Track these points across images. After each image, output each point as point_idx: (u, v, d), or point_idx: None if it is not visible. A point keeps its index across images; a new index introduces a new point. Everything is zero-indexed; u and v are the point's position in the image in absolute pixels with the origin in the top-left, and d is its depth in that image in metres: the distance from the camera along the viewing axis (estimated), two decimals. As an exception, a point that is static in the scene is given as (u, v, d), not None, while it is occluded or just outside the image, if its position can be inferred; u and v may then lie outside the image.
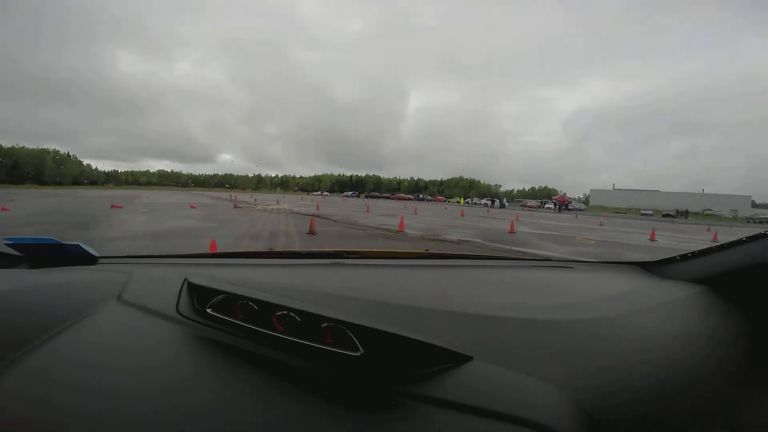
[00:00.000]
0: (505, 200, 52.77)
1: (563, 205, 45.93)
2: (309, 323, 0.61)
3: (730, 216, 59.03)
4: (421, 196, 76.35)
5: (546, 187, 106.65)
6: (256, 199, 32.24)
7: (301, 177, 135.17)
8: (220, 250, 1.28)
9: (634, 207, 62.91)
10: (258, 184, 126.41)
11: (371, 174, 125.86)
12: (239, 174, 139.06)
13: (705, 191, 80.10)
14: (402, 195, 76.31)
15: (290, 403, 0.51)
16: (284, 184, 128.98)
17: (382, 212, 20.33)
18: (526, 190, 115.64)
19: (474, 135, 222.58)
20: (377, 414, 0.51)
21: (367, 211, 20.01)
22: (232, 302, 0.67)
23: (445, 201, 68.11)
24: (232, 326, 0.65)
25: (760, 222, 44.27)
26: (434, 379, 0.55)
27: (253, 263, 1.13)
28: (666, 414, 0.56)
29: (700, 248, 0.94)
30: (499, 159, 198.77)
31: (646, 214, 49.30)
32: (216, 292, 0.69)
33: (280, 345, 0.60)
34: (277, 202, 25.43)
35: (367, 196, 73.15)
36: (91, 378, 0.54)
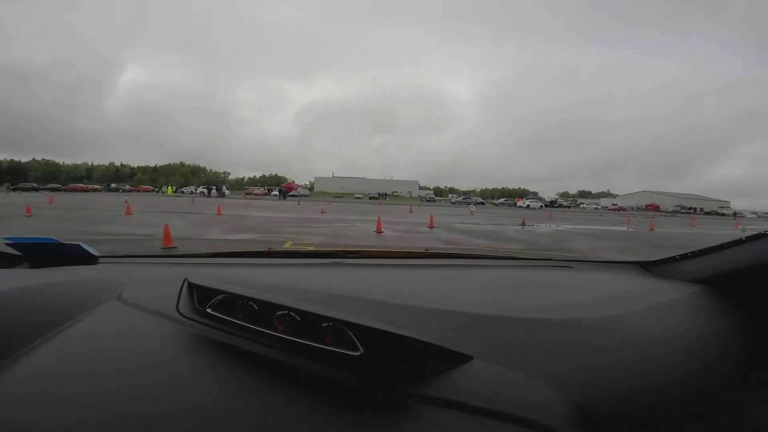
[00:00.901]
0: (225, 188, 45.95)
1: (288, 191, 44.71)
2: (309, 323, 0.61)
3: (407, 196, 76.24)
4: (114, 185, 56.93)
5: (276, 175, 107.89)
6: None
7: None
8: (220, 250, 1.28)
9: (349, 192, 70.58)
10: None
11: (41, 159, 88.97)
12: None
13: (393, 178, 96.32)
14: (80, 185, 54.46)
15: (290, 402, 0.51)
16: None
17: None
18: (257, 177, 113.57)
19: (205, 119, 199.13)
20: (377, 414, 0.51)
21: None
22: (232, 302, 0.67)
23: (154, 191, 53.60)
24: (233, 326, 0.65)
25: (429, 201, 58.54)
26: (434, 379, 0.55)
27: (253, 263, 1.15)
28: (665, 414, 0.56)
29: (699, 248, 0.93)
30: (232, 145, 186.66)
31: (358, 198, 55.94)
32: (216, 291, 0.69)
33: (281, 344, 0.60)
34: None
35: (12, 189, 47.32)
36: (92, 377, 0.54)
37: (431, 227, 11.89)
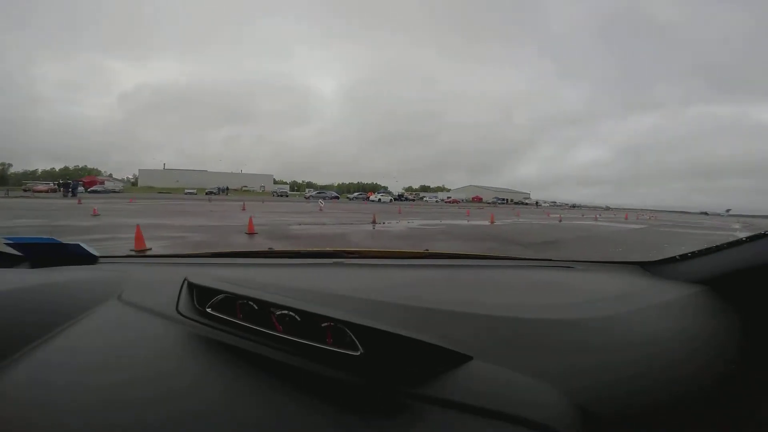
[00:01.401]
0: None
1: (82, 187, 33.50)
2: (309, 323, 0.60)
3: (260, 191, 70.41)
4: None
5: (86, 167, 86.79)
6: None
7: None
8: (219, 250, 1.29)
9: (184, 186, 60.42)
10: None
11: None
12: None
13: (243, 171, 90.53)
14: None
15: (290, 402, 0.51)
16: None
17: None
18: (57, 170, 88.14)
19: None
20: (377, 414, 0.51)
21: None
22: (232, 302, 0.67)
23: None
24: (232, 326, 0.65)
25: (281, 195, 54.21)
26: (434, 379, 0.55)
27: (253, 263, 1.15)
28: (665, 414, 0.56)
29: (699, 248, 0.93)
30: (24, 131, 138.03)
31: (190, 193, 47.62)
32: (216, 291, 0.69)
33: (280, 344, 0.60)
34: None
35: None
36: (92, 377, 0.54)
37: (251, 233, 8.30)
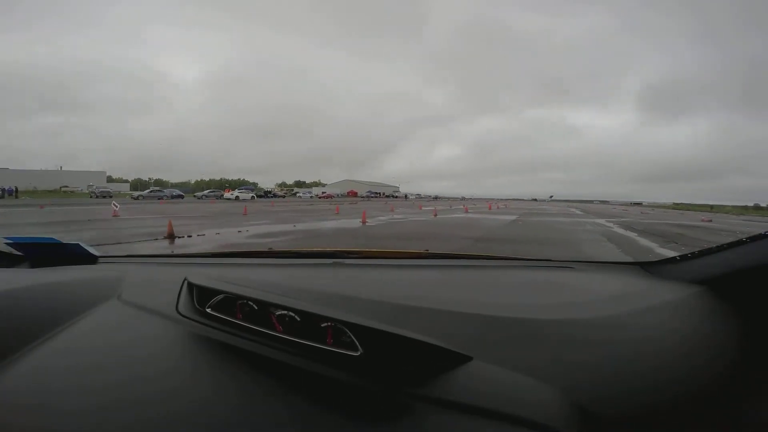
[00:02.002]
0: None
1: None
2: (309, 323, 0.60)
3: (87, 192, 56.82)
4: None
5: None
6: None
7: None
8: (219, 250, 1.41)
9: None
10: None
11: None
12: None
13: (63, 168, 78.95)
14: None
15: (289, 402, 0.51)
16: None
17: None
18: None
19: None
20: (377, 414, 0.51)
21: None
22: (231, 302, 0.67)
23: None
24: (232, 326, 0.65)
25: (101, 196, 42.54)
26: (434, 379, 0.54)
27: (253, 263, 1.15)
28: (665, 414, 0.56)
29: (699, 249, 0.92)
30: None
31: None
32: (216, 291, 0.69)
33: (280, 345, 0.60)
34: None
35: None
36: (92, 376, 0.54)
37: None
